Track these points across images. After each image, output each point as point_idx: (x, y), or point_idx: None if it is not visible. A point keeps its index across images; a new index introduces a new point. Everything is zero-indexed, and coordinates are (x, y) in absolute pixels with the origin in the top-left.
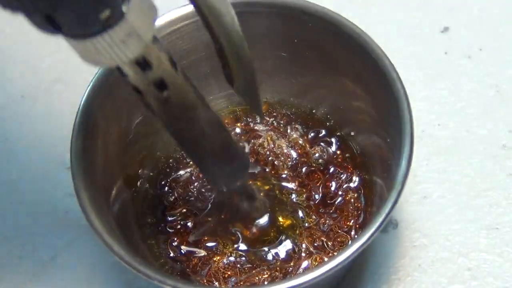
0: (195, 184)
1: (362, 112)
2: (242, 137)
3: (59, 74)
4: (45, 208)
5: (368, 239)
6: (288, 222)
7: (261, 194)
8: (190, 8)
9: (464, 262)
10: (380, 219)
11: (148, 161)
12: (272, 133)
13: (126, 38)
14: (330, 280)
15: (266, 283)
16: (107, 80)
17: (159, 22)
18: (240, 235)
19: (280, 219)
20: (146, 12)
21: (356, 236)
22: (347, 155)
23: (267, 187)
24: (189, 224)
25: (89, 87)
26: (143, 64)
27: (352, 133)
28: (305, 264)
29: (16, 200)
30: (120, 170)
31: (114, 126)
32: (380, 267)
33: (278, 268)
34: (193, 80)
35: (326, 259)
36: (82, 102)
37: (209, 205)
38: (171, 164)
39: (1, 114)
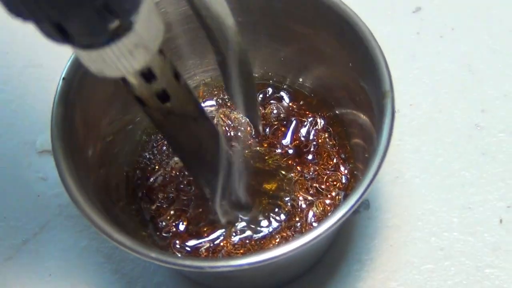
0: (172, 184)
1: (307, 52)
2: None
3: (30, 59)
4: (17, 192)
5: (377, 169)
6: (274, 185)
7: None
8: None
9: (437, 242)
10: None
11: (118, 178)
12: (223, 109)
13: (134, 49)
14: (317, 248)
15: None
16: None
17: None
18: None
19: (266, 185)
20: (154, 23)
21: (346, 171)
22: (301, 102)
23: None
24: (182, 222)
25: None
26: (147, 75)
27: (300, 79)
28: (310, 214)
29: None
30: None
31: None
32: (352, 247)
33: (286, 228)
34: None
35: (327, 201)
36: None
37: (193, 198)
38: (139, 175)
39: None
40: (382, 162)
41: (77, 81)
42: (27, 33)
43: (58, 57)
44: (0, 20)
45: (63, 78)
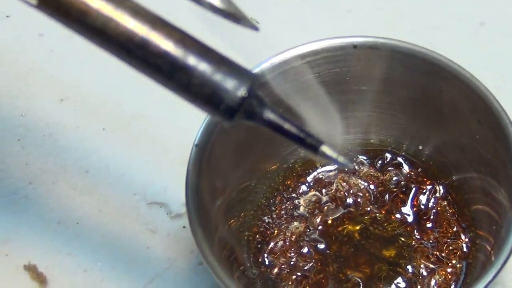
0: (292, 249)
1: (430, 122)
2: (312, 190)
3: (139, 109)
4: (126, 244)
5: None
6: (393, 251)
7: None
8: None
9: None
10: None
11: (239, 242)
12: (342, 175)
13: None
14: None
15: None
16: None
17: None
18: (356, 279)
19: (385, 252)
20: None
21: (466, 239)
22: (419, 169)
23: (358, 227)
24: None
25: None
26: None
27: (420, 147)
28: (432, 282)
29: (96, 234)
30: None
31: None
32: None
33: None
34: None
35: (449, 270)
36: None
37: (313, 263)
38: (259, 239)
39: (83, 146)
40: None
41: (209, 148)
42: (136, 83)
43: (167, 110)
44: (108, 71)
45: (196, 145)
